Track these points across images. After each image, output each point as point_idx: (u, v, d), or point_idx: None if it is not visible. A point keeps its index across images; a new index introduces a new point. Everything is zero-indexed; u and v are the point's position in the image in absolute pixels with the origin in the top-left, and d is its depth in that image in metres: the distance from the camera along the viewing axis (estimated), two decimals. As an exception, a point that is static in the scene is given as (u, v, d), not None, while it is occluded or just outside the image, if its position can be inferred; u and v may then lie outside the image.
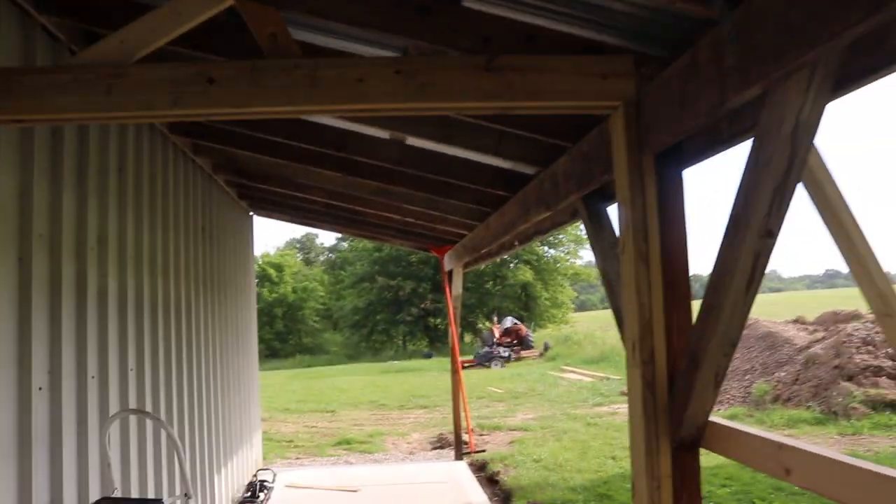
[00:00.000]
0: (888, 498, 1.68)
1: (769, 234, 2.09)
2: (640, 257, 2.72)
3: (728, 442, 2.54)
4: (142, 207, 5.25)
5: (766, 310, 21.17)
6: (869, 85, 1.88)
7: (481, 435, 12.44)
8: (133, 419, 4.77)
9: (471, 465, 10.26)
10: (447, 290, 10.67)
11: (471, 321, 46.31)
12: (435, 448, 12.16)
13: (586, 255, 47.31)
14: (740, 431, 2.51)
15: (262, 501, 7.61)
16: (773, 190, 2.01)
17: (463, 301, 35.52)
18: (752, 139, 2.08)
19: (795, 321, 16.39)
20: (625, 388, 3.33)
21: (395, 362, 35.91)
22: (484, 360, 28.75)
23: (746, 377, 13.86)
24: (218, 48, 3.50)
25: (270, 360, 40.22)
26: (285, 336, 50.22)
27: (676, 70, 2.40)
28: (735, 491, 7.85)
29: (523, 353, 31.21)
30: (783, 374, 13.16)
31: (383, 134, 4.89)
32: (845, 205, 2.36)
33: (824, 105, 1.88)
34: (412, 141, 4.88)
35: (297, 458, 11.63)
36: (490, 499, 8.36)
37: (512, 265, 45.43)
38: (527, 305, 45.07)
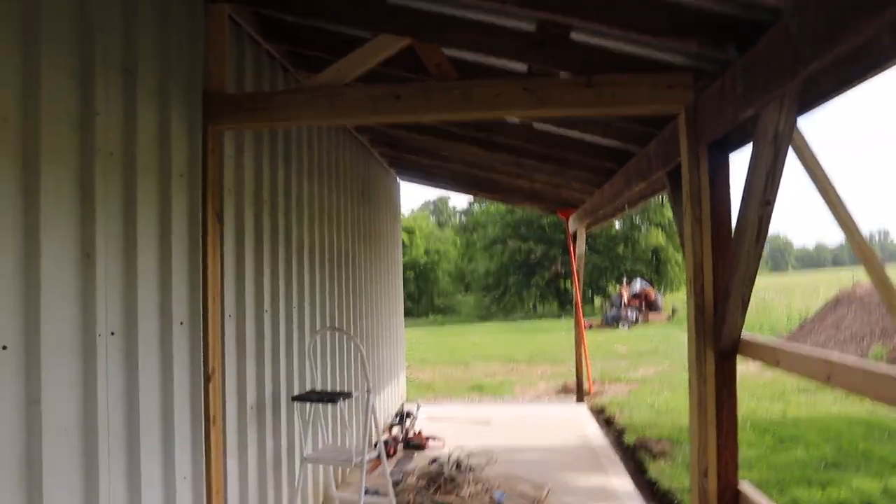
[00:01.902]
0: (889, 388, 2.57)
1: (767, 203, 3.17)
2: (695, 218, 3.81)
3: (763, 352, 3.61)
4: (323, 176, 6.69)
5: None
6: (821, 107, 2.92)
7: (603, 385, 13.53)
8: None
9: (590, 408, 11.40)
10: (571, 248, 11.80)
11: (602, 285, 46.79)
12: (559, 394, 13.35)
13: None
14: (774, 346, 3.56)
15: (408, 426, 9.03)
16: (766, 174, 3.08)
17: (595, 264, 35.86)
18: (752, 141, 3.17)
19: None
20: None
21: (526, 322, 37.20)
22: (611, 321, 29.58)
23: (863, 341, 14.26)
24: (401, 76, 4.83)
25: (405, 318, 42.09)
26: (418, 297, 51.70)
27: (713, 90, 3.49)
28: (827, 437, 8.66)
29: (651, 316, 31.70)
30: (899, 341, 13.51)
31: (514, 120, 6.09)
32: (829, 179, 3.38)
33: (794, 121, 2.94)
34: (538, 126, 6.06)
35: (435, 399, 13.09)
36: (605, 434, 9.50)
37: (643, 228, 45.33)
38: (657, 269, 44.96)
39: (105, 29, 3.15)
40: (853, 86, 2.64)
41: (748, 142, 3.78)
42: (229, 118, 4.07)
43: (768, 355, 3.46)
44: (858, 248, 3.55)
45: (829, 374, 2.80)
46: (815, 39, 2.36)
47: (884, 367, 2.54)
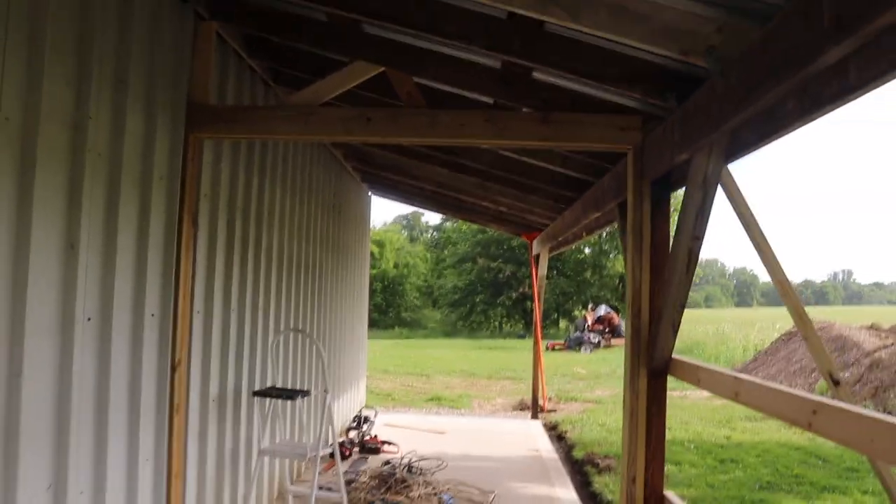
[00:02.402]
0: (799, 408, 2.66)
1: (696, 238, 3.52)
2: (636, 248, 4.16)
3: (687, 372, 3.95)
4: (296, 187, 6.97)
5: (846, 319, 21.60)
6: (746, 156, 3.28)
7: (558, 404, 13.88)
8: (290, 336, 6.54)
9: (544, 424, 11.73)
10: (534, 270, 12.16)
11: (568, 308, 47.36)
12: (515, 410, 13.67)
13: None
14: (697, 365, 3.90)
15: (365, 430, 9.29)
16: (696, 212, 3.43)
17: (563, 288, 36.22)
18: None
19: (870, 327, 17.08)
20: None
21: (491, 340, 37.57)
22: (574, 344, 30.00)
23: (812, 374, 14.76)
24: (373, 98, 5.16)
25: (370, 329, 42.22)
26: (385, 309, 51.92)
27: (657, 133, 3.84)
28: (765, 460, 9.08)
29: (614, 342, 32.08)
30: (847, 374, 14.00)
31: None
32: (756, 222, 3.74)
33: (721, 168, 3.29)
34: (503, 152, 6.40)
35: (394, 407, 13.35)
36: (556, 449, 9.83)
37: (612, 255, 45.99)
38: (623, 296, 45.58)
39: (102, 42, 3.42)
40: (769, 141, 2.99)
41: (685, 183, 4.16)
42: (210, 128, 4.35)
43: (692, 374, 3.80)
44: (779, 284, 3.91)
45: (737, 392, 3.14)
46: (734, 99, 2.70)
47: (782, 387, 2.87)
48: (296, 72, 5.57)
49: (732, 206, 3.78)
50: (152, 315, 4.04)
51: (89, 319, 3.43)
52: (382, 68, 4.36)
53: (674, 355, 4.03)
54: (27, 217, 2.92)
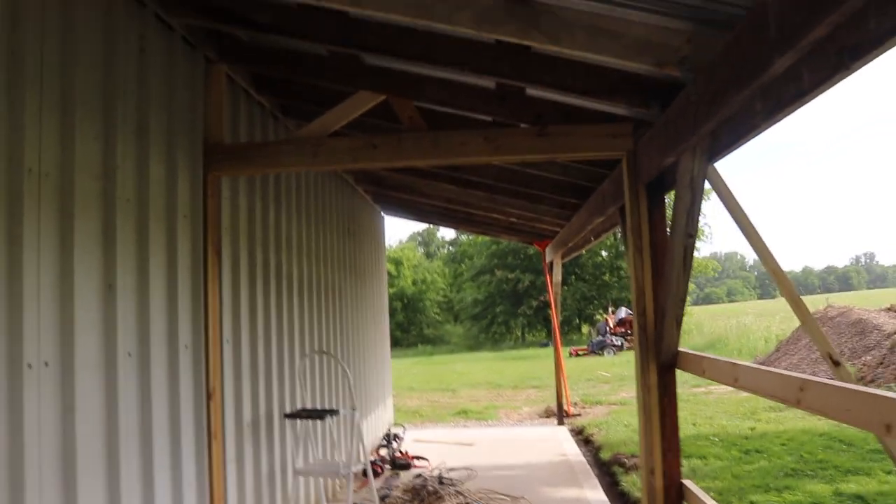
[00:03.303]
0: (788, 387, 2.91)
1: (689, 236, 3.73)
2: (636, 249, 4.38)
3: (693, 364, 4.15)
4: (310, 214, 7.24)
5: (869, 303, 21.61)
6: (727, 156, 3.50)
7: (583, 408, 14.05)
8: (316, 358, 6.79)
9: (570, 429, 11.90)
10: (548, 278, 12.37)
11: (589, 313, 47.37)
12: (542, 417, 13.83)
13: (703, 248, 47.18)
14: (701, 356, 4.10)
15: (395, 447, 9.50)
16: (686, 211, 3.65)
17: (583, 293, 36.23)
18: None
19: (889, 309, 17.12)
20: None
21: (514, 350, 37.70)
22: (597, 349, 30.08)
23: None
24: (378, 124, 5.43)
25: (393, 348, 42.33)
26: (407, 327, 51.95)
27: (646, 138, 4.07)
28: (789, 448, 9.21)
29: (636, 343, 32.13)
30: (869, 357, 14.07)
31: (485, 159, 6.68)
32: (745, 214, 3.94)
33: (705, 167, 3.51)
34: (506, 165, 6.65)
35: (422, 423, 13.55)
36: (583, 453, 10.00)
37: (629, 257, 45.81)
38: (643, 297, 45.41)
39: (124, 95, 3.71)
40: (745, 141, 3.20)
41: (673, 186, 4.38)
42: (226, 165, 4.63)
43: (697, 366, 4.00)
44: (773, 272, 4.11)
45: (735, 377, 3.35)
46: (706, 105, 2.93)
47: (773, 369, 3.08)
48: (302, 103, 5.86)
49: (722, 201, 3.99)
50: (185, 347, 4.30)
51: (130, 355, 3.69)
52: (384, 96, 4.62)
53: (683, 349, 4.23)
54: (70, 262, 3.19)
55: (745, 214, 3.96)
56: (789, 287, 4.09)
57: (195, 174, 4.51)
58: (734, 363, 3.43)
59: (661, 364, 4.30)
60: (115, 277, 3.55)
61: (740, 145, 3.34)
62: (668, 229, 4.42)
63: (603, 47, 3.13)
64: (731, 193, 3.95)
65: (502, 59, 3.81)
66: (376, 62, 4.58)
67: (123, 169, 3.69)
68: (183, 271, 4.30)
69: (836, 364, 4.32)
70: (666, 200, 4.56)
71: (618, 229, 6.95)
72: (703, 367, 3.90)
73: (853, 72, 2.16)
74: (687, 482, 4.34)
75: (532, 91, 4.51)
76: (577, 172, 6.14)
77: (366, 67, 4.64)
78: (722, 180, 3.91)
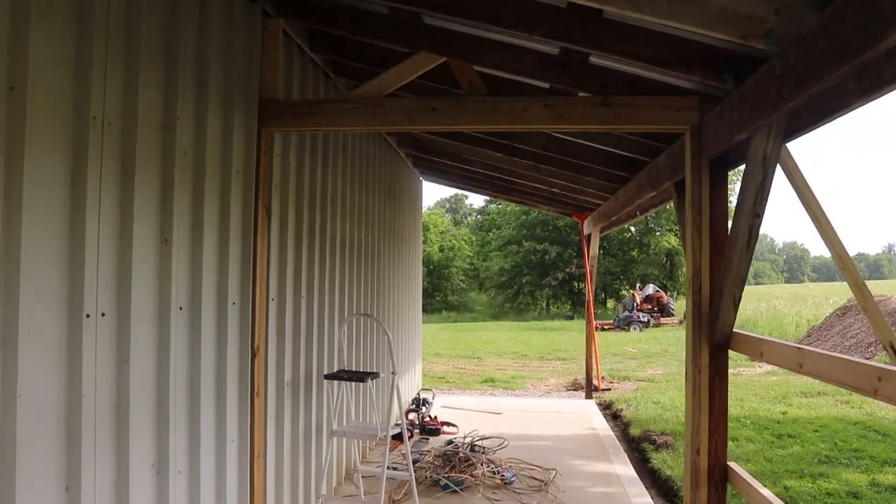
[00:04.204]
0: (864, 376, 2.83)
1: (756, 215, 3.62)
2: (695, 226, 4.27)
3: (750, 346, 4.06)
4: (355, 175, 7.18)
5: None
6: (804, 135, 3.37)
7: (611, 383, 13.99)
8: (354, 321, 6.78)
9: (598, 403, 11.86)
10: (585, 250, 12.26)
11: (615, 288, 47.18)
12: (569, 390, 13.81)
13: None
14: (760, 339, 4.00)
15: (424, 412, 9.51)
16: (756, 190, 3.53)
17: (608, 268, 36.28)
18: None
19: (928, 299, 16.84)
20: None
21: (539, 321, 37.70)
22: (623, 324, 29.94)
23: (869, 349, 14.63)
24: (435, 87, 5.33)
25: (419, 313, 42.66)
26: (431, 293, 52.12)
27: (715, 113, 3.94)
28: (823, 435, 9.10)
29: (663, 320, 32.00)
30: (906, 347, 13.83)
31: (535, 127, 6.57)
32: (815, 197, 3.82)
33: (780, 146, 3.39)
34: (557, 134, 6.53)
35: (450, 389, 13.58)
36: (611, 427, 9.96)
37: (658, 233, 45.61)
38: (671, 273, 45.31)
39: (185, 47, 3.65)
40: (828, 121, 3.08)
41: (744, 161, 4.25)
42: (280, 122, 4.57)
43: (754, 348, 3.91)
44: (838, 257, 3.99)
45: (800, 363, 3.25)
46: (793, 80, 2.81)
47: (847, 357, 2.99)
48: (356, 63, 5.76)
49: (791, 183, 3.87)
50: (233, 304, 4.28)
51: (181, 309, 3.67)
52: (444, 58, 4.52)
53: (738, 330, 4.14)
54: (129, 213, 3.16)
55: (814, 197, 3.84)
56: (854, 273, 3.97)
57: (250, 130, 4.46)
58: (800, 348, 3.33)
59: (715, 343, 4.22)
60: (170, 231, 3.52)
61: (820, 125, 3.22)
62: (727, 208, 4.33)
63: (685, 15, 3.00)
64: (801, 175, 3.82)
65: (573, 24, 3.69)
66: (437, 23, 4.47)
67: (183, 121, 3.65)
68: (234, 228, 4.26)
69: (897, 354, 4.20)
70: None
71: (669, 204, 6.83)
72: (762, 350, 3.81)
73: (971, 51, 2.04)
74: (732, 464, 4.28)
75: (596, 60, 4.39)
76: (630, 145, 6.01)
77: (426, 27, 4.53)
78: (793, 161, 3.79)
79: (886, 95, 2.56)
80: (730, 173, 4.44)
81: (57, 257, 2.73)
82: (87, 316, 2.89)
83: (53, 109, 2.70)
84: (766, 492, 3.83)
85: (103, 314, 3.00)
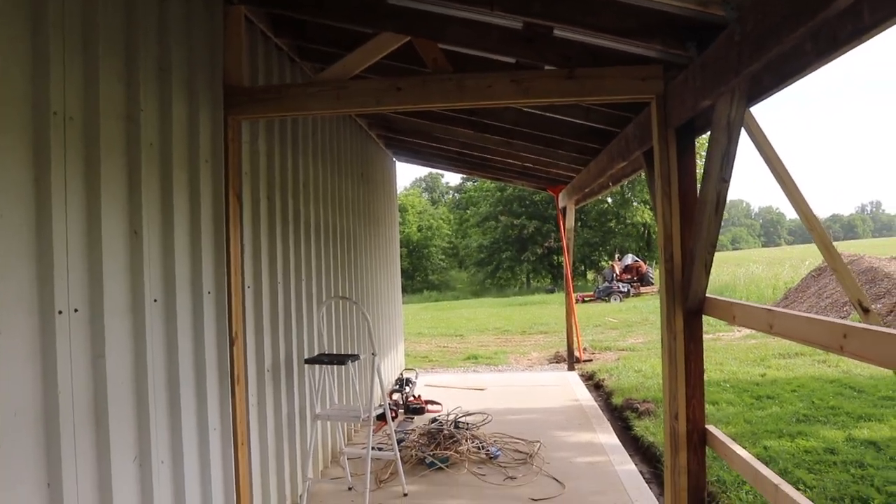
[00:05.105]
0: (830, 334, 2.85)
1: (723, 180, 3.66)
2: (664, 194, 4.30)
3: (722, 310, 4.11)
4: (326, 160, 7.16)
5: (875, 251, 21.57)
6: (766, 100, 3.41)
7: (593, 354, 14.12)
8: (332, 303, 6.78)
9: (581, 375, 11.97)
10: (561, 223, 12.31)
11: (594, 259, 47.51)
12: (551, 363, 13.92)
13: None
14: (731, 302, 4.05)
15: (408, 392, 9.56)
16: (721, 155, 3.56)
17: (587, 239, 36.44)
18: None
19: (899, 257, 17.10)
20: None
21: (519, 296, 37.87)
22: (603, 295, 30.16)
23: (844, 308, 14.85)
24: (401, 67, 5.30)
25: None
26: (412, 273, 52.29)
27: (679, 81, 3.96)
28: (801, 395, 9.25)
29: (643, 290, 32.25)
30: (879, 305, 14.08)
31: (504, 103, 6.57)
32: (780, 159, 3.87)
33: (743, 111, 3.42)
34: (526, 108, 6.53)
35: (433, 368, 13.65)
36: (594, 398, 10.06)
37: (635, 203, 45.89)
38: (648, 244, 45.64)
39: (145, 35, 3.61)
40: (789, 83, 3.11)
41: (709, 128, 4.28)
42: (247, 109, 4.54)
43: (726, 312, 3.96)
44: (805, 218, 4.05)
45: (770, 324, 3.30)
46: (752, 45, 2.83)
47: (814, 315, 3.04)
48: (321, 47, 5.73)
49: (756, 147, 3.92)
50: (209, 293, 4.27)
51: (155, 301, 3.66)
52: (408, 38, 4.50)
53: (711, 295, 4.19)
54: (97, 208, 3.14)
55: (779, 160, 3.89)
56: (822, 235, 4.04)
57: (216, 118, 4.43)
58: (769, 309, 3.38)
59: (688, 309, 4.27)
60: (140, 223, 3.50)
61: (782, 88, 3.25)
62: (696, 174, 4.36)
63: (644, -15, 3.01)
64: (766, 138, 3.87)
65: (533, -2, 3.69)
66: (400, 2, 4.45)
67: (147, 112, 3.61)
68: (205, 217, 4.24)
69: (866, 311, 4.29)
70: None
71: (639, 174, 6.87)
72: (734, 313, 3.86)
73: (921, 8, 2.07)
74: (710, 427, 4.35)
75: (560, 32, 4.39)
76: (600, 116, 6.03)
77: (389, 7, 4.50)
78: (757, 125, 3.84)
79: (843, 55, 2.58)
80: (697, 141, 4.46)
81: (25, 255, 2.71)
82: (60, 312, 2.87)
83: (11, 107, 2.67)
84: (743, 452, 3.90)
85: (76, 310, 2.99)
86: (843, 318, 14.57)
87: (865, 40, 2.34)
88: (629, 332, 18.07)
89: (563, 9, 3.73)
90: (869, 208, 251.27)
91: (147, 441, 3.50)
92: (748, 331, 15.04)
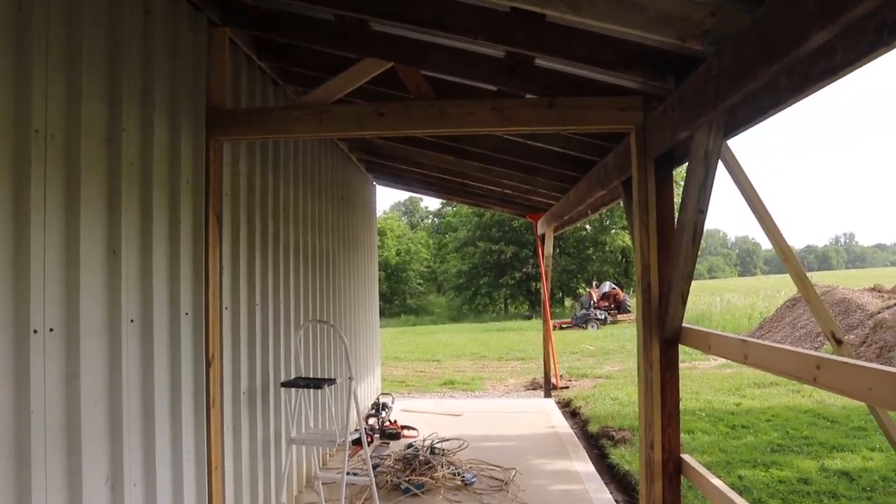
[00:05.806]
0: (804, 365, 2.89)
1: (700, 211, 3.71)
2: (643, 223, 4.35)
3: (697, 339, 4.15)
4: (307, 182, 7.17)
5: (849, 283, 21.85)
6: (743, 133, 3.47)
7: (570, 381, 14.13)
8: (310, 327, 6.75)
9: (557, 402, 11.96)
10: (540, 250, 12.38)
11: (572, 286, 47.65)
12: (528, 390, 13.91)
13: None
14: (707, 332, 4.10)
15: (384, 417, 9.52)
16: (699, 187, 3.62)
17: (565, 266, 36.60)
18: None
19: (872, 289, 17.31)
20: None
21: (497, 322, 37.87)
22: (581, 322, 30.21)
23: (818, 338, 15.00)
24: (384, 93, 5.35)
25: (379, 317, 42.71)
26: (390, 297, 52.17)
27: (658, 112, 4.03)
28: (775, 424, 9.32)
29: (620, 317, 32.36)
30: (852, 336, 14.24)
31: (485, 130, 6.63)
32: (756, 191, 3.93)
33: (720, 143, 3.48)
34: (507, 136, 6.59)
35: (409, 393, 13.59)
36: (571, 425, 10.07)
37: (613, 231, 46.19)
38: (626, 271, 45.89)
39: (129, 57, 3.62)
40: (765, 117, 3.18)
41: (687, 158, 4.35)
42: (229, 130, 4.55)
43: (702, 341, 4.00)
44: (780, 250, 4.11)
45: (745, 354, 3.34)
46: (729, 79, 2.89)
47: (787, 347, 3.08)
48: (303, 70, 5.77)
49: (733, 178, 3.97)
50: (186, 314, 4.25)
51: (132, 321, 3.64)
52: (391, 64, 4.54)
53: (687, 325, 4.23)
54: (75, 227, 3.13)
55: (755, 192, 3.95)
56: (796, 266, 4.09)
57: (198, 139, 4.43)
58: (744, 340, 3.42)
59: (665, 338, 4.30)
60: (119, 243, 3.48)
61: (758, 122, 3.32)
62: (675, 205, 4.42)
63: (624, 18, 3.07)
64: (742, 170, 3.93)
65: (517, 28, 3.74)
66: (384, 29, 4.50)
67: (129, 132, 3.61)
68: (185, 238, 4.23)
69: (839, 342, 4.33)
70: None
71: (618, 202, 6.94)
72: (709, 343, 3.90)
73: (891, 49, 2.12)
74: (686, 456, 4.37)
75: (541, 62, 4.45)
76: (580, 145, 6.10)
77: (373, 34, 4.56)
78: (734, 157, 3.90)
79: (818, 92, 2.65)
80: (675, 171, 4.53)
81: (1, 273, 2.69)
82: (35, 331, 2.85)
83: (-7, 123, 2.67)
84: (717, 482, 3.92)
85: (51, 329, 2.97)
86: (816, 348, 14.73)
87: (837, 79, 2.40)
88: (606, 359, 18.11)
89: (546, 39, 3.78)
90: (843, 240, 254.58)
91: (120, 463, 3.46)
92: (724, 360, 15.14)
